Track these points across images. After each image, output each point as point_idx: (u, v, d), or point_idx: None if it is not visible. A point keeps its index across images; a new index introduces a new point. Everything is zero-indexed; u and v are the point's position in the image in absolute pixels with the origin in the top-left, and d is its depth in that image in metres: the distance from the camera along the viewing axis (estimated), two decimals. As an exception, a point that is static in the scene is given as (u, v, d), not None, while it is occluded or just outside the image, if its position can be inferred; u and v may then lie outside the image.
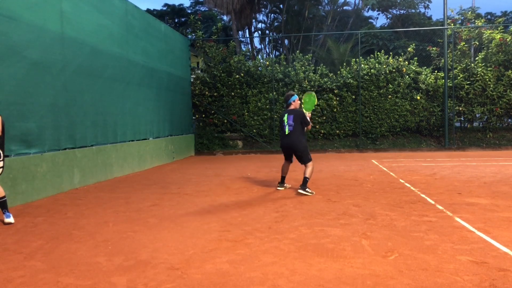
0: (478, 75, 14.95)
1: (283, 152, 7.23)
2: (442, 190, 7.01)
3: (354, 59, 16.05)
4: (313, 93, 7.55)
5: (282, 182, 7.35)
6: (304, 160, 6.91)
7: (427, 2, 25.74)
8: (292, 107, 7.04)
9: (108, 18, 9.43)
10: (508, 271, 3.34)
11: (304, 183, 6.77)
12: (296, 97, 7.06)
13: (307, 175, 6.78)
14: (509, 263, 3.51)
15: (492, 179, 8.08)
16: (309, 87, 15.53)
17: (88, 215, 5.67)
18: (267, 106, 15.77)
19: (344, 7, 28.63)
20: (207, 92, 16.06)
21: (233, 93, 15.92)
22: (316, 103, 7.54)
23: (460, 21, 17.89)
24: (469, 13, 17.43)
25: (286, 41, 27.98)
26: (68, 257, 3.89)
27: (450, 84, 15.08)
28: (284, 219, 5.19)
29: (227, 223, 5.07)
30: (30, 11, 6.90)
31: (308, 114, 7.13)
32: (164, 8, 35.93)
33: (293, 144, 6.89)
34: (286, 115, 6.96)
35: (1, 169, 5.19)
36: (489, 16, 29.23)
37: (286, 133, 6.89)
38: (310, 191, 6.80)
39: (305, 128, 7.00)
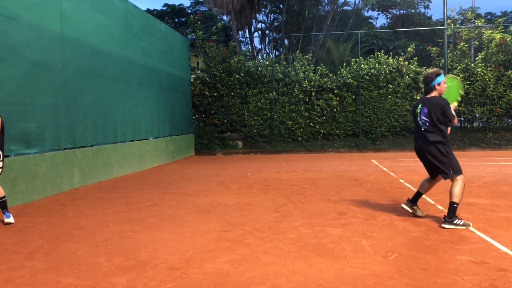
0: (478, 75, 14.95)
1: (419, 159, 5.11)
2: (442, 190, 7.01)
3: (354, 59, 16.05)
4: (457, 78, 5.45)
5: (413, 200, 5.22)
6: (445, 172, 4.75)
7: (427, 2, 25.76)
8: (434, 93, 4.81)
9: (108, 18, 9.43)
10: (508, 271, 3.34)
11: (451, 212, 4.62)
12: (443, 77, 4.79)
13: (454, 199, 4.62)
14: (509, 263, 3.51)
15: (492, 179, 8.08)
16: (309, 87, 15.54)
17: (88, 215, 5.67)
18: (267, 106, 15.77)
19: (344, 7, 28.67)
20: (207, 92, 16.06)
21: (233, 93, 15.92)
22: (462, 91, 5.33)
23: (460, 21, 17.89)
24: (469, 13, 17.42)
25: (286, 41, 27.99)
26: (68, 257, 3.89)
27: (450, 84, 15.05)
28: (284, 219, 5.19)
29: (227, 223, 5.07)
30: (30, 11, 6.90)
31: (453, 106, 4.85)
32: (164, 8, 35.94)
33: (426, 146, 4.78)
34: (420, 105, 4.85)
35: (1, 169, 5.18)
36: (489, 16, 29.23)
37: (422, 128, 4.80)
38: (462, 222, 4.59)
39: (447, 125, 4.73)
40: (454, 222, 4.58)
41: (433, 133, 4.70)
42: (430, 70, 4.90)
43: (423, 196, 5.55)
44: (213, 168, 11.04)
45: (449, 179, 4.78)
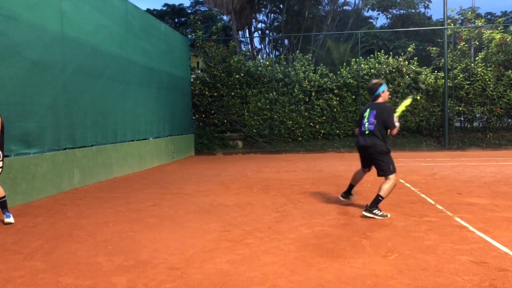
0: (478, 75, 14.96)
1: (360, 154, 5.71)
2: (442, 190, 7.01)
3: (354, 59, 16.06)
4: (410, 97, 6.26)
5: (348, 191, 5.97)
6: (384, 170, 5.26)
7: (427, 2, 25.76)
8: (380, 100, 5.44)
9: (108, 18, 9.43)
10: (508, 271, 3.34)
11: (374, 202, 5.15)
12: (385, 86, 5.46)
13: (381, 193, 5.14)
14: (509, 263, 3.51)
15: (492, 179, 8.08)
16: (309, 87, 15.54)
17: (88, 215, 5.67)
18: (267, 106, 15.77)
19: (344, 7, 28.67)
20: (207, 92, 16.06)
21: (233, 93, 15.92)
22: (408, 105, 5.96)
23: (460, 21, 17.90)
24: (469, 13, 17.43)
25: (286, 41, 27.99)
26: (68, 257, 3.89)
27: (450, 84, 15.08)
28: (284, 219, 5.19)
29: (227, 223, 5.07)
30: (30, 11, 6.90)
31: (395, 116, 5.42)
32: (164, 8, 35.95)
33: (372, 145, 5.29)
34: (368, 109, 5.40)
35: (1, 169, 5.18)
36: (489, 16, 29.22)
37: (366, 132, 5.33)
38: (381, 213, 5.13)
39: (389, 129, 5.30)
40: (374, 211, 5.12)
41: (378, 134, 5.26)
42: (374, 81, 5.54)
43: (423, 196, 6.07)
44: (213, 168, 11.04)
45: (383, 176, 5.30)
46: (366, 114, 5.39)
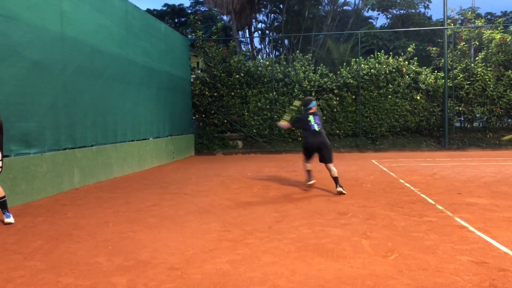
0: (478, 75, 14.96)
1: (308, 151, 7.28)
2: (442, 190, 7.01)
3: (354, 59, 16.05)
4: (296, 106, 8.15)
5: (310, 176, 7.38)
6: (330, 158, 7.05)
7: (427, 2, 25.75)
8: (313, 110, 7.36)
9: (108, 18, 9.43)
10: (508, 271, 3.34)
11: (337, 182, 6.92)
12: (315, 103, 7.49)
13: (335, 175, 6.96)
14: (509, 263, 3.51)
15: (492, 179, 8.08)
16: (309, 87, 15.55)
17: (88, 215, 5.67)
18: (267, 106, 15.77)
19: (344, 7, 28.66)
20: (207, 92, 16.06)
21: (233, 93, 15.92)
22: (295, 106, 8.11)
23: (460, 21, 17.89)
24: (469, 13, 17.43)
25: (286, 41, 27.98)
26: (68, 257, 3.89)
27: (450, 84, 15.08)
28: (284, 219, 5.19)
29: (227, 223, 5.07)
30: (30, 11, 6.90)
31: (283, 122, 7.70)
32: (164, 8, 35.94)
33: (323, 141, 7.10)
34: (311, 116, 7.21)
35: (0, 168, 5.18)
36: (489, 16, 29.21)
37: (317, 130, 7.10)
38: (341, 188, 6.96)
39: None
40: (341, 186, 6.89)
41: (323, 132, 7.23)
42: (308, 97, 7.57)
43: (423, 196, 6.32)
44: (213, 168, 11.04)
45: (329, 163, 7.02)
46: (311, 118, 7.15)
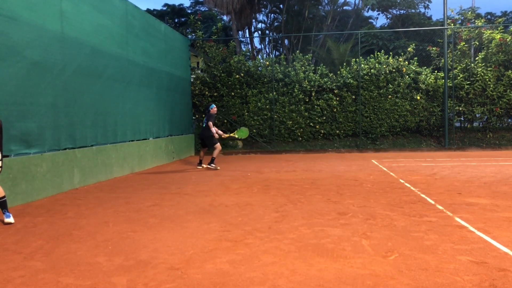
0: (478, 75, 14.96)
1: (200, 139, 10.99)
2: (442, 190, 7.01)
3: (354, 59, 16.06)
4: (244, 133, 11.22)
5: (199, 163, 10.90)
6: (211, 145, 10.50)
7: (427, 2, 25.75)
8: (211, 112, 10.62)
9: (108, 18, 9.43)
10: (508, 271, 3.34)
11: (212, 161, 10.55)
12: (214, 105, 10.72)
13: (213, 155, 10.55)
14: (509, 263, 3.51)
15: (492, 179, 8.08)
16: (309, 87, 15.55)
17: (88, 215, 5.67)
18: (267, 106, 15.77)
19: (344, 7, 28.65)
20: (207, 92, 16.06)
21: (233, 93, 15.93)
22: (243, 136, 11.27)
23: (460, 21, 17.90)
24: (469, 13, 17.43)
25: (286, 41, 27.98)
26: (68, 257, 3.89)
27: (450, 84, 15.08)
28: (284, 219, 5.19)
29: (227, 223, 5.07)
30: (30, 11, 6.90)
31: (225, 135, 10.85)
32: (164, 8, 35.97)
33: (205, 134, 10.48)
34: (205, 116, 10.83)
35: (0, 168, 5.18)
36: (489, 16, 29.23)
37: (204, 126, 10.60)
38: (214, 166, 10.49)
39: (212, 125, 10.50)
40: (211, 165, 10.51)
41: (208, 128, 10.36)
42: (211, 103, 11.15)
43: (423, 196, 6.13)
44: (213, 168, 11.03)
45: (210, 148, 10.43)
46: (203, 118, 11.12)
